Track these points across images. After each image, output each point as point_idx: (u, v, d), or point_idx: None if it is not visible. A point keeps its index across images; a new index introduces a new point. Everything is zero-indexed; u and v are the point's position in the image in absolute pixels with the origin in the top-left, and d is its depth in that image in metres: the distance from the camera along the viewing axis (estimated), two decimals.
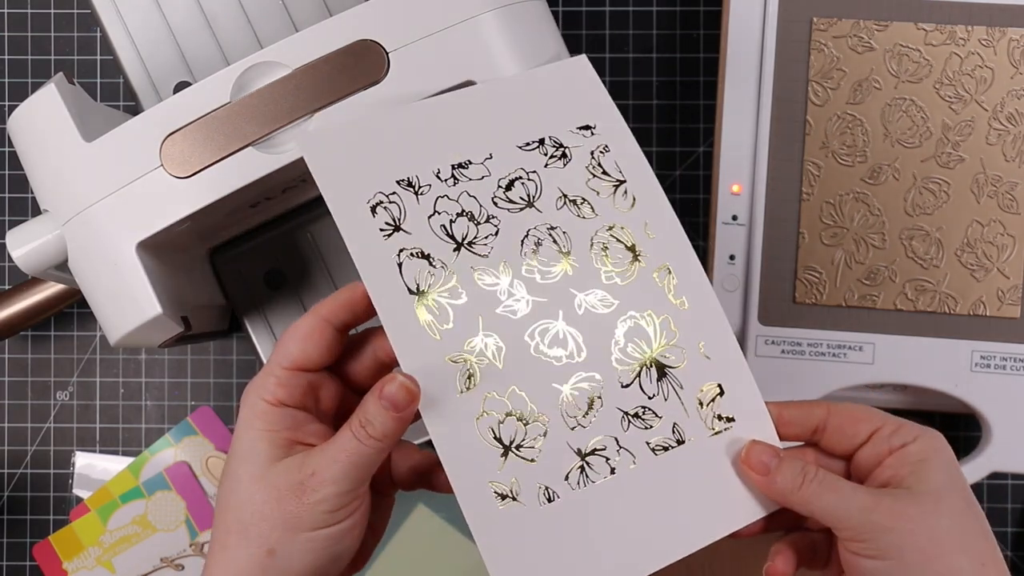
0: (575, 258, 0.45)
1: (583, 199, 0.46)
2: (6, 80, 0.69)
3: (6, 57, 0.69)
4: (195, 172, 0.49)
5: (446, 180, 0.45)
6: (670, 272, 0.46)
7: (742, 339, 0.61)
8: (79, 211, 0.50)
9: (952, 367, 0.60)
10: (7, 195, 0.69)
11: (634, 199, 0.47)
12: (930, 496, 0.40)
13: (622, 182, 0.47)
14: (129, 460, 0.68)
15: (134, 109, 0.65)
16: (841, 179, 0.60)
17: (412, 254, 0.43)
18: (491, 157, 0.46)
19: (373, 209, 0.44)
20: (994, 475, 0.67)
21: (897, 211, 0.60)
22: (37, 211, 0.69)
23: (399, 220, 0.44)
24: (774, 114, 0.61)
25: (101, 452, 0.69)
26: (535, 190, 0.46)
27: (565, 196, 0.46)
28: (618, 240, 0.46)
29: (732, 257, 0.61)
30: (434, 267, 0.43)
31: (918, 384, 0.61)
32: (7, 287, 0.68)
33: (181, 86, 0.61)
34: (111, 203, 0.49)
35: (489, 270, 0.44)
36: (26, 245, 0.50)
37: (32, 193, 0.68)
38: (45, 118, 0.50)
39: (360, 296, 0.43)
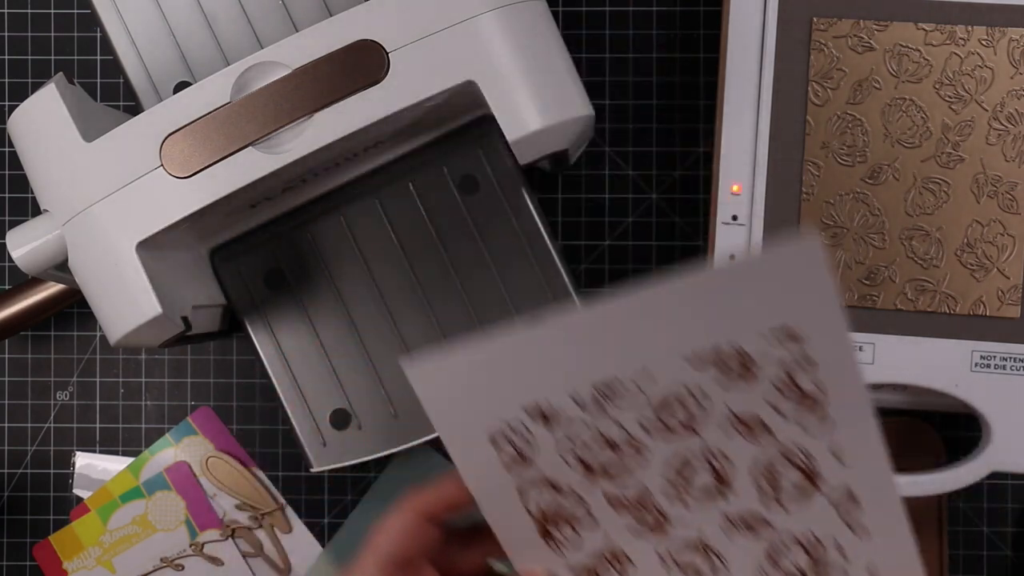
0: (731, 483, 0.39)
1: (759, 420, 0.38)
2: (6, 80, 0.69)
3: (6, 57, 0.69)
4: (195, 172, 0.49)
5: (584, 404, 0.38)
6: (853, 498, 0.39)
7: None
8: (79, 211, 0.50)
9: (952, 367, 0.60)
10: (7, 195, 0.69)
11: (827, 417, 0.38)
12: None
13: (814, 400, 0.38)
14: (129, 460, 0.68)
15: (134, 109, 0.65)
16: (841, 179, 0.60)
17: (539, 484, 0.39)
18: (646, 371, 0.37)
19: (494, 440, 0.38)
20: (994, 475, 0.67)
21: (897, 211, 0.60)
22: (37, 211, 0.69)
23: (525, 451, 0.38)
24: (774, 114, 0.61)
25: (101, 452, 0.69)
26: (697, 409, 0.38)
27: (736, 417, 0.38)
28: (793, 465, 0.39)
29: (732, 257, 0.61)
30: (564, 497, 0.39)
31: (918, 384, 0.61)
32: (7, 287, 0.68)
33: (181, 86, 0.61)
34: (111, 203, 0.49)
35: (627, 498, 0.39)
36: (26, 245, 0.50)
37: (32, 193, 0.68)
38: (45, 118, 0.50)
39: (467, 495, 0.39)
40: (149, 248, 0.50)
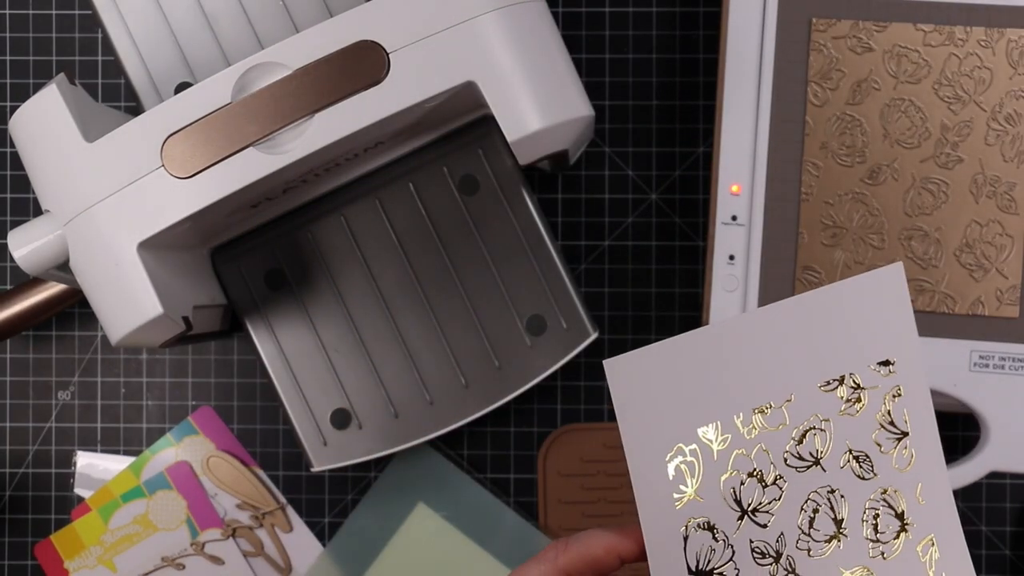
0: (846, 529, 0.42)
1: (866, 455, 0.42)
2: (8, 81, 0.70)
3: (8, 58, 0.69)
4: (196, 172, 0.49)
5: (746, 429, 0.41)
6: (934, 544, 0.42)
7: None
8: (80, 211, 0.50)
9: (951, 367, 0.60)
10: (8, 195, 0.69)
11: (912, 456, 0.42)
12: None
13: (905, 435, 0.42)
14: (130, 459, 0.68)
15: (135, 110, 0.65)
16: (840, 179, 0.61)
17: (699, 526, 0.41)
18: (791, 400, 0.42)
19: (670, 467, 0.41)
20: (993, 475, 0.67)
21: (896, 211, 0.60)
22: (38, 211, 0.69)
23: (693, 483, 0.41)
24: (774, 114, 0.61)
25: (102, 451, 0.69)
26: (824, 444, 0.42)
27: (850, 451, 0.42)
28: (889, 506, 0.42)
29: (732, 257, 0.61)
30: (716, 540, 0.41)
31: None
32: (8, 287, 0.69)
33: (182, 87, 0.61)
34: (112, 203, 0.50)
35: (766, 545, 0.41)
36: (27, 245, 0.50)
37: (33, 193, 0.68)
38: (47, 118, 0.50)
39: (610, 556, 0.41)
40: (150, 248, 0.50)
